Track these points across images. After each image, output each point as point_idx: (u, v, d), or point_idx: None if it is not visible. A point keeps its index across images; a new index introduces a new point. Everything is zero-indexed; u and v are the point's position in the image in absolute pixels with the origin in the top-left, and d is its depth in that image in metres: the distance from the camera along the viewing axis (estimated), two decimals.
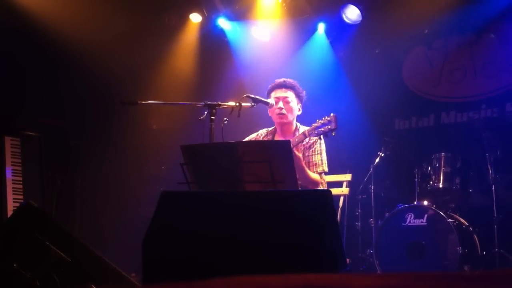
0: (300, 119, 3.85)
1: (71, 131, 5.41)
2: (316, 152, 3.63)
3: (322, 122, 3.22)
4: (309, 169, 3.56)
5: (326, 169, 3.64)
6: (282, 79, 3.78)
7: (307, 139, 3.43)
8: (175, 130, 5.96)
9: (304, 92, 3.81)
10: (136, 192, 5.69)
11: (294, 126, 3.78)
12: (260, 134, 3.88)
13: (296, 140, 3.34)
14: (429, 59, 5.87)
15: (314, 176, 3.53)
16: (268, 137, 3.81)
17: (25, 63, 5.16)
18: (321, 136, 3.38)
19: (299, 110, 3.79)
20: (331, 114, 3.19)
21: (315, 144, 3.62)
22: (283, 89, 3.72)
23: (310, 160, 3.62)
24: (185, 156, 2.95)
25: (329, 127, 3.17)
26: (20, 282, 2.55)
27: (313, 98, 4.11)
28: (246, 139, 3.90)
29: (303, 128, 3.73)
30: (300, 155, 3.42)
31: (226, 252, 2.33)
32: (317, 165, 3.62)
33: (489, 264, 4.34)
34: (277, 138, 3.77)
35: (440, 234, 4.40)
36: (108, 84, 5.62)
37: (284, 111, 3.67)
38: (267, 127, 3.93)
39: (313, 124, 3.28)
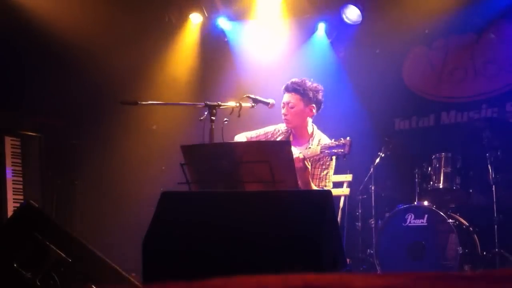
0: None
1: (71, 131, 5.41)
2: (324, 167, 3.56)
3: (336, 143, 3.11)
4: (312, 181, 3.48)
5: (329, 186, 3.58)
6: (289, 81, 3.67)
7: (321, 156, 3.38)
8: (175, 130, 5.96)
9: (315, 91, 3.65)
10: (136, 192, 5.69)
11: (310, 130, 3.69)
12: (277, 129, 3.80)
13: (309, 153, 3.28)
14: (430, 59, 5.87)
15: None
16: (284, 135, 3.76)
17: (25, 63, 5.16)
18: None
19: (311, 111, 3.65)
20: (347, 138, 3.09)
21: (325, 158, 3.50)
22: (287, 93, 3.65)
23: (316, 173, 3.55)
24: (185, 156, 2.95)
25: (342, 150, 3.09)
26: (20, 282, 2.55)
27: None
28: (263, 129, 3.86)
29: (319, 135, 3.68)
30: (309, 167, 3.36)
31: (226, 252, 2.33)
32: (321, 180, 3.54)
33: (489, 264, 4.34)
34: (291, 138, 3.71)
35: (440, 234, 4.39)
36: (108, 84, 5.62)
37: (287, 117, 3.62)
38: (278, 124, 3.88)
39: (327, 143, 3.21)
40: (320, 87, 3.71)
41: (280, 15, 6.00)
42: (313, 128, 3.72)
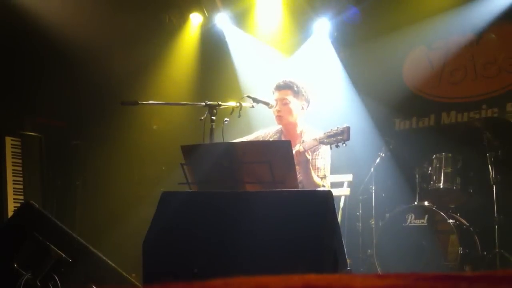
0: None
1: (71, 131, 5.41)
2: (320, 156, 3.57)
3: (334, 131, 3.12)
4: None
5: (327, 175, 3.58)
6: (281, 80, 3.69)
7: (318, 146, 3.37)
8: (176, 130, 5.96)
9: (307, 88, 3.68)
10: (136, 192, 5.70)
11: (301, 127, 3.70)
12: (268, 132, 3.82)
13: (306, 146, 3.29)
14: (430, 59, 5.87)
15: (318, 180, 3.49)
16: (276, 136, 3.76)
17: (25, 63, 5.16)
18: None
19: (303, 108, 3.68)
20: (344, 125, 3.09)
21: (320, 148, 3.53)
22: (281, 91, 3.65)
23: (313, 164, 3.56)
24: (185, 156, 2.94)
25: (340, 137, 3.11)
26: (20, 282, 2.55)
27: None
28: (254, 134, 3.86)
29: (310, 130, 3.69)
30: (310, 158, 3.37)
31: (226, 252, 2.33)
32: (319, 170, 3.54)
33: (490, 265, 4.33)
34: (283, 138, 3.72)
35: (441, 235, 4.39)
36: (108, 84, 5.62)
37: (281, 113, 3.64)
38: (268, 127, 3.90)
39: (325, 132, 3.21)
40: (310, 83, 3.73)
41: (280, 15, 6.00)
42: (302, 125, 3.73)
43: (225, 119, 3.34)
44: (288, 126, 3.71)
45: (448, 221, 4.35)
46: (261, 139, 3.77)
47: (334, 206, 2.48)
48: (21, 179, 4.43)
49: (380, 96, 5.77)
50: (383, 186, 5.28)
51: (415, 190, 4.82)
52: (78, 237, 2.85)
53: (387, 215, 4.75)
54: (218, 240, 2.37)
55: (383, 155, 5.21)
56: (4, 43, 4.92)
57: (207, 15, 6.19)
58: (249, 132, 3.96)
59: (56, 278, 2.60)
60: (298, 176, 3.27)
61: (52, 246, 2.63)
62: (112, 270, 2.79)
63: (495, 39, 5.47)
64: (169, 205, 2.56)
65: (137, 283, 3.11)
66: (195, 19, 6.26)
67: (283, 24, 6.08)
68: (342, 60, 6.16)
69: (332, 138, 3.13)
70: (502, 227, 4.35)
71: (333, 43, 6.12)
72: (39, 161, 4.61)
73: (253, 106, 3.48)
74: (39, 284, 2.57)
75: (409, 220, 4.57)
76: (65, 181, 5.16)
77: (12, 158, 4.42)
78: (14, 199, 4.33)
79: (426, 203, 4.62)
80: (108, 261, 2.85)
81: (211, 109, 3.30)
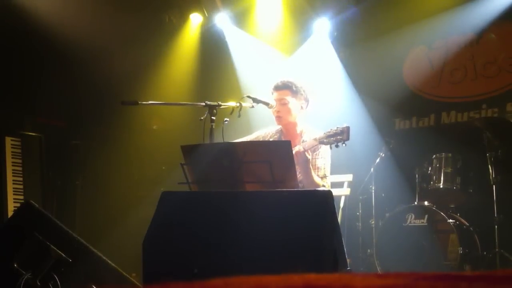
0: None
1: (71, 131, 5.41)
2: (320, 156, 3.57)
3: (334, 131, 3.13)
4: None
5: (327, 174, 3.59)
6: (279, 80, 3.69)
7: (318, 146, 3.37)
8: (176, 130, 5.96)
9: (306, 87, 3.68)
10: (136, 192, 5.70)
11: (300, 127, 3.70)
12: (268, 132, 3.83)
13: (306, 146, 3.30)
14: (430, 59, 5.87)
15: (318, 180, 3.50)
16: (276, 136, 3.77)
17: (25, 62, 5.16)
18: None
19: (302, 108, 3.68)
20: (344, 125, 3.10)
21: (320, 147, 3.53)
22: (279, 91, 3.65)
23: (313, 163, 3.56)
24: (185, 156, 2.94)
25: (340, 137, 3.11)
26: (20, 281, 2.56)
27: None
28: (254, 134, 3.86)
29: (310, 130, 3.69)
30: (310, 157, 3.38)
31: (226, 252, 2.33)
32: (319, 169, 3.55)
33: (490, 265, 4.33)
34: (283, 138, 3.72)
35: (441, 234, 4.39)
36: (108, 84, 5.62)
37: (280, 113, 3.63)
38: (268, 127, 3.90)
39: (325, 132, 3.21)
40: (309, 82, 3.73)
41: (280, 15, 6.01)
42: (302, 125, 3.73)
43: (225, 119, 3.34)
44: (287, 126, 3.71)
45: (448, 221, 4.36)
46: (261, 139, 3.77)
47: (334, 206, 2.48)
48: (21, 179, 4.43)
49: (380, 96, 5.77)
50: (383, 186, 5.28)
51: (415, 190, 4.82)
52: (78, 237, 2.86)
53: (387, 215, 4.75)
54: (218, 239, 2.37)
55: (383, 155, 5.22)
56: (4, 43, 4.91)
57: (207, 15, 6.19)
58: (249, 132, 3.96)
59: (56, 278, 2.61)
60: (298, 176, 3.28)
61: (52, 246, 2.63)
62: (112, 270, 2.79)
63: (495, 39, 5.47)
64: (169, 204, 2.56)
65: (137, 283, 3.11)
66: (195, 19, 6.26)
67: (283, 24, 6.08)
68: (342, 60, 6.16)
69: (332, 138, 3.13)
70: (502, 227, 4.35)
71: (333, 42, 6.12)
72: (39, 161, 4.62)
73: (253, 106, 3.48)
74: (39, 283, 2.57)
75: (409, 220, 4.57)
76: (65, 181, 5.16)
77: (12, 158, 4.42)
78: (14, 199, 4.33)
79: (426, 203, 4.62)
80: (108, 261, 2.85)
81: (211, 109, 3.30)
